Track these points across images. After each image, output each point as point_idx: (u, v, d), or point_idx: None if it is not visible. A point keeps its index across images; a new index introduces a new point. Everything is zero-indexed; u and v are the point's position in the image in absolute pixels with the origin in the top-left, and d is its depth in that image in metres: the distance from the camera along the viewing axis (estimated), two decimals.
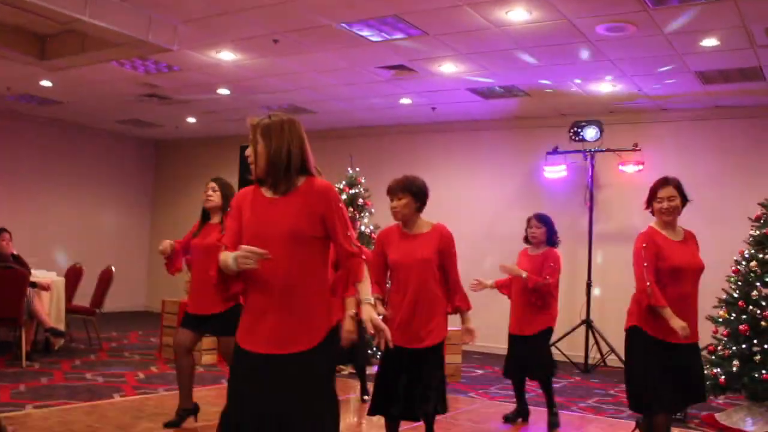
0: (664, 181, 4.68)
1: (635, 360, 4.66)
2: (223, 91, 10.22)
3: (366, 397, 6.67)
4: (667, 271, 4.50)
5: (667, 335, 4.44)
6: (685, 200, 4.68)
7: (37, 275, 8.39)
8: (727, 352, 6.38)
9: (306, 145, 3.15)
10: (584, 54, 7.70)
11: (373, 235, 8.65)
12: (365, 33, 7.36)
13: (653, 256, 4.51)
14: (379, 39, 7.53)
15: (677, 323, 4.33)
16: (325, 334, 3.08)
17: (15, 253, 8.27)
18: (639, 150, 9.41)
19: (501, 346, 7.07)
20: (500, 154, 11.12)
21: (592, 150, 9.52)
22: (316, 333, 3.05)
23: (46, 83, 10.15)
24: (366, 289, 3.18)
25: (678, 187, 4.65)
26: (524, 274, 5.94)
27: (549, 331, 6.13)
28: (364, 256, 3.16)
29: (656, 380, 4.46)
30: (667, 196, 4.61)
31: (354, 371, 7.41)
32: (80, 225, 13.53)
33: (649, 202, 4.73)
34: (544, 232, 6.15)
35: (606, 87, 8.92)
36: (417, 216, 4.51)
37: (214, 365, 8.34)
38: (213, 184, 5.58)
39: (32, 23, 7.68)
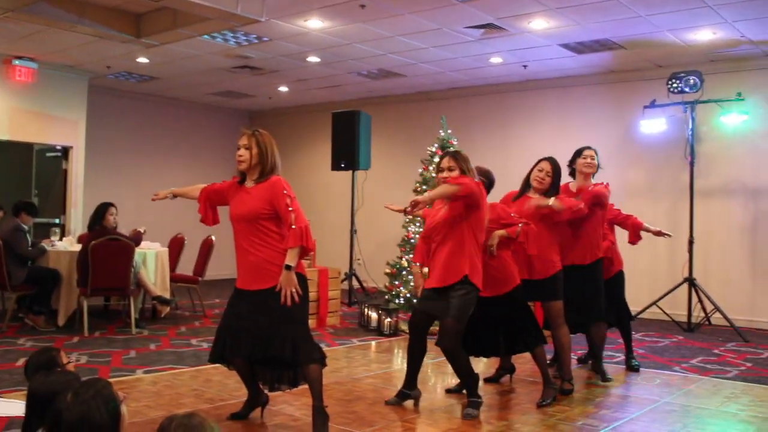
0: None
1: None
2: (313, 59, 10.28)
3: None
4: None
5: None
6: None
7: (142, 246, 8.70)
8: None
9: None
10: (681, 1, 7.39)
11: None
12: None
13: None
14: None
15: None
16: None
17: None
18: (743, 100, 8.99)
19: None
20: (595, 111, 10.82)
21: (693, 102, 9.14)
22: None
23: (143, 60, 10.45)
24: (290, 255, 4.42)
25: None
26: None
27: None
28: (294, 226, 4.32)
29: None
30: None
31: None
32: None
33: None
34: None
35: (705, 35, 8.53)
36: None
37: None
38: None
39: (127, 3, 7.89)
